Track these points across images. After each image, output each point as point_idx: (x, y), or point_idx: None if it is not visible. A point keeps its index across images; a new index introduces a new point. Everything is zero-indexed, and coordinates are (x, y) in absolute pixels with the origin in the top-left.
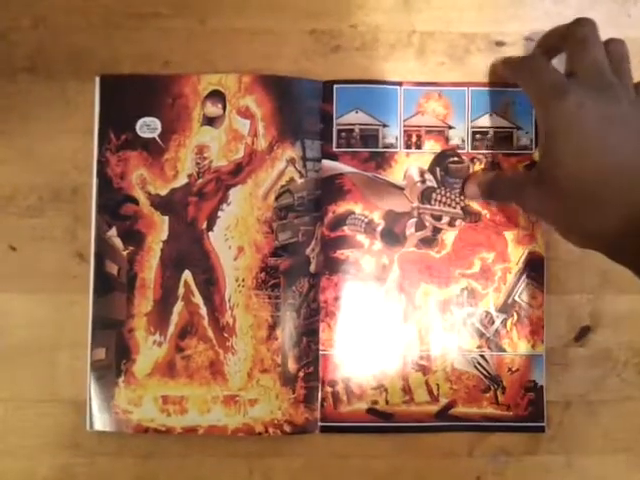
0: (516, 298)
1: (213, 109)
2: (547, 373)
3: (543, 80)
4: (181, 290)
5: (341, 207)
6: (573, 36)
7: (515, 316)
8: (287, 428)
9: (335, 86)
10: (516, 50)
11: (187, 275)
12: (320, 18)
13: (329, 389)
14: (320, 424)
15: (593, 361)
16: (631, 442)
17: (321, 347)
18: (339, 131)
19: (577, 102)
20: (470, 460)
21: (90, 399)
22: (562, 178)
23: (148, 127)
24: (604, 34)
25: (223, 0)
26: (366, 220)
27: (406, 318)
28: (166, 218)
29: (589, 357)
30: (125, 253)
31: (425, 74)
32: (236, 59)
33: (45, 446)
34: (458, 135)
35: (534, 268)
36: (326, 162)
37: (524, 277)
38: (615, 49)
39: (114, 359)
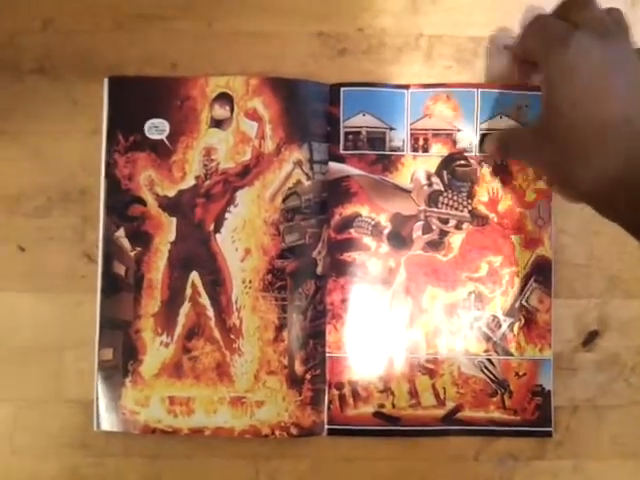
0: (523, 302)
1: (221, 111)
2: (554, 377)
3: (547, 31)
4: (188, 291)
5: (347, 209)
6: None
7: (522, 320)
8: (294, 430)
9: (342, 89)
10: None
11: (194, 276)
12: (327, 21)
13: (336, 392)
14: (327, 427)
15: (601, 366)
16: (639, 447)
17: (328, 349)
18: (346, 134)
19: (580, 49)
20: (477, 464)
21: (97, 399)
22: (561, 127)
23: (156, 129)
24: None
25: (230, 2)
26: (373, 223)
27: (412, 321)
28: (174, 219)
29: (597, 362)
30: (133, 254)
31: (432, 77)
32: (243, 61)
33: (53, 446)
34: (466, 138)
35: (541, 272)
36: (333, 164)
37: (532, 281)
38: (614, 14)
39: (121, 359)
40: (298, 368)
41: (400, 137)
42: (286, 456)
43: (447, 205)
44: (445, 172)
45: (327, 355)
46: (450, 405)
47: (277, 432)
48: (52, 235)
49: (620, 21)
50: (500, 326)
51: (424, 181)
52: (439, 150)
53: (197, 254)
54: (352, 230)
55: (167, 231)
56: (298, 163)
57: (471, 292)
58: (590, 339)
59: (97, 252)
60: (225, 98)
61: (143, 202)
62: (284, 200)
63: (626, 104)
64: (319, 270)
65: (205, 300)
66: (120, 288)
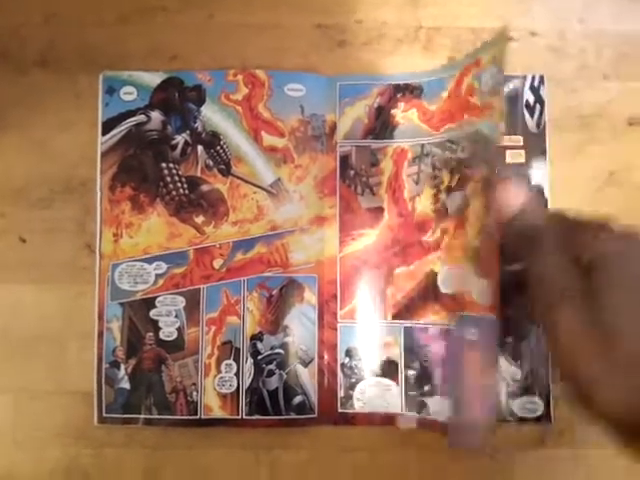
0: None
1: None
2: (554, 371)
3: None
4: None
5: None
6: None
7: None
8: None
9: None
10: (522, 45)
11: None
12: (327, 13)
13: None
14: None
15: None
16: None
17: None
18: None
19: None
20: (477, 453)
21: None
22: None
23: None
24: (609, 29)
25: None
26: None
27: None
28: None
29: None
30: None
31: (432, 69)
32: (243, 53)
33: (54, 437)
34: None
35: None
36: None
37: None
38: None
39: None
40: None
41: None
42: (287, 446)
43: None
44: None
45: None
46: None
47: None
48: (53, 226)
49: None
50: None
51: None
52: None
53: None
54: None
55: None
56: None
57: None
58: None
59: (98, 243)
60: None
61: None
62: None
63: None
64: None
65: None
66: None
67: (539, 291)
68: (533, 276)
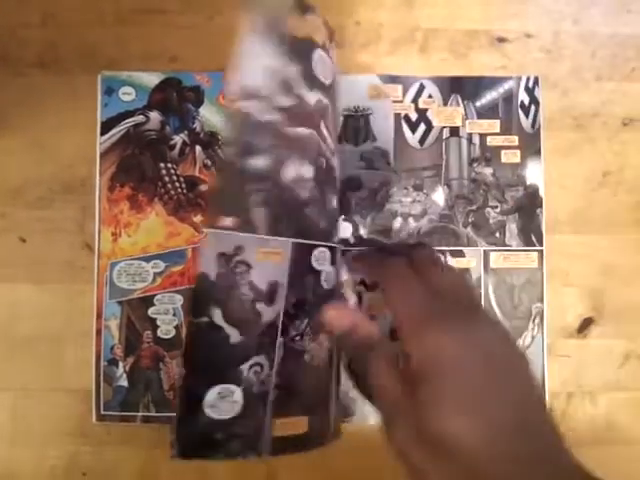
0: None
1: None
2: (549, 364)
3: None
4: None
5: None
6: None
7: None
8: None
9: None
10: (517, 46)
11: None
12: (325, 14)
13: None
14: None
15: (595, 352)
16: (634, 434)
17: None
18: None
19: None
20: None
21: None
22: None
23: None
24: (603, 31)
25: None
26: None
27: None
28: None
29: (591, 348)
30: None
31: (428, 70)
32: None
33: (53, 435)
34: None
35: None
36: None
37: None
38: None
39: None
40: None
41: None
42: None
43: None
44: None
45: None
46: None
47: None
48: (53, 226)
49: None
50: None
51: None
52: None
53: None
54: None
55: None
56: None
57: None
58: (585, 326)
59: (96, 242)
60: None
61: None
62: None
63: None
64: None
65: None
66: None
67: (376, 407)
68: (372, 391)
